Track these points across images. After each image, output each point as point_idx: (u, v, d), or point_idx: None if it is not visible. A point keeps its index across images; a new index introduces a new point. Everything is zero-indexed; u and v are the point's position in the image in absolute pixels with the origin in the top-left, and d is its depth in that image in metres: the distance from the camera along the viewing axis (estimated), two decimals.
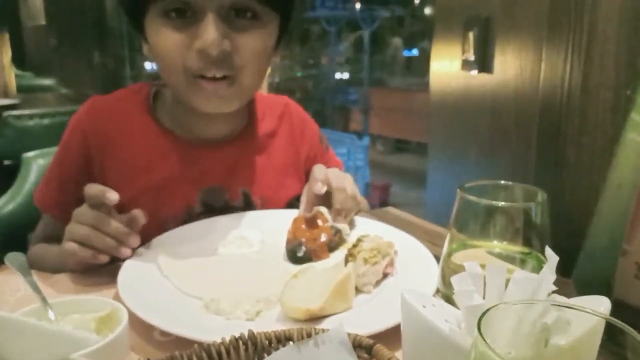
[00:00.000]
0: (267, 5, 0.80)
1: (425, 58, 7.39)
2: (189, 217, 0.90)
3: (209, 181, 0.91)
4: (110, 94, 0.95)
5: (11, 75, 2.69)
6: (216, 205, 0.92)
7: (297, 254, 0.76)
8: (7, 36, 2.66)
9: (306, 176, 0.98)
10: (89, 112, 0.91)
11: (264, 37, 0.81)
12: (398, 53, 8.42)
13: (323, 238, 0.79)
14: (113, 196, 0.71)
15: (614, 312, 0.47)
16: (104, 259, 0.73)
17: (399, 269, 0.72)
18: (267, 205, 0.96)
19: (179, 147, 0.90)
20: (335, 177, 0.87)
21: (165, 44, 0.79)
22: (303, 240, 0.77)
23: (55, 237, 0.83)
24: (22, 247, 1.10)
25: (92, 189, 0.73)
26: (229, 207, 0.93)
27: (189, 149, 0.90)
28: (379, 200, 5.73)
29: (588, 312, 0.37)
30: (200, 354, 0.45)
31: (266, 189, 0.96)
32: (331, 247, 0.80)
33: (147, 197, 0.87)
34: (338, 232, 0.81)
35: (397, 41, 8.38)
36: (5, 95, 2.65)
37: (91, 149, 0.88)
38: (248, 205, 0.95)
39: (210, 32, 0.74)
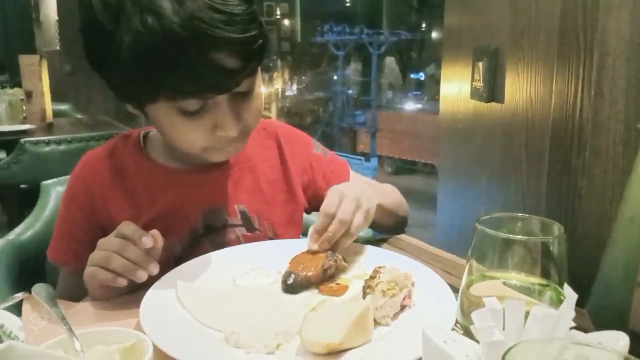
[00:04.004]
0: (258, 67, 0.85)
1: (433, 81, 7.45)
2: (193, 240, 0.95)
3: (208, 203, 0.96)
4: (102, 146, 1.01)
5: (49, 101, 2.74)
6: (217, 225, 0.97)
7: (287, 282, 0.78)
8: (45, 63, 2.72)
9: (311, 190, 1.06)
10: (87, 164, 0.98)
11: (259, 90, 0.88)
12: (405, 75, 8.49)
13: (317, 265, 0.80)
14: (148, 242, 0.76)
15: (631, 343, 0.47)
16: (122, 282, 0.76)
17: (416, 301, 0.72)
18: (264, 219, 1.00)
19: (175, 177, 0.95)
20: (328, 204, 0.86)
21: (181, 133, 0.84)
22: (292, 270, 0.80)
23: (76, 290, 0.86)
24: (41, 274, 1.12)
25: (129, 228, 0.77)
26: (229, 225, 0.97)
27: (185, 177, 0.96)
28: None
29: (607, 350, 0.38)
30: None
31: (260, 204, 1.01)
32: (329, 274, 0.81)
33: (153, 228, 0.88)
34: (334, 258, 0.83)
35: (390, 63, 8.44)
36: (43, 120, 2.70)
37: (95, 196, 0.94)
38: (246, 221, 0.99)
39: (229, 123, 0.81)
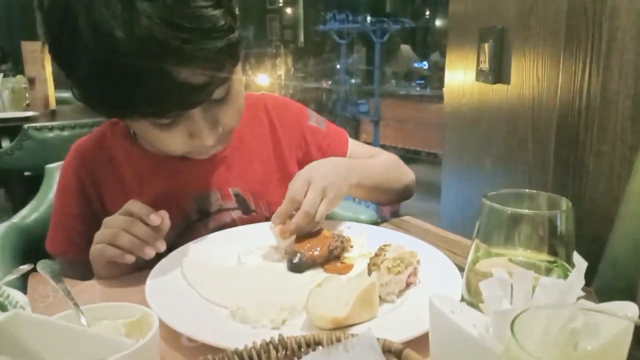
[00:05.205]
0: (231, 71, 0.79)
1: (437, 69, 7.41)
2: (187, 226, 0.93)
3: (200, 188, 0.95)
4: (91, 134, 0.99)
5: (52, 88, 2.73)
6: (211, 210, 0.95)
7: (293, 261, 0.78)
8: (48, 49, 2.70)
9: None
10: (77, 155, 0.96)
11: (238, 90, 0.82)
12: (409, 63, 8.44)
13: (323, 245, 0.80)
14: (156, 219, 0.76)
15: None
16: (129, 258, 0.76)
17: (422, 279, 0.72)
18: (259, 200, 0.98)
19: (164, 164, 0.93)
20: (295, 191, 0.84)
21: (158, 141, 0.81)
22: (298, 249, 0.80)
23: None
24: (46, 256, 1.12)
25: (135, 206, 0.77)
26: (223, 209, 0.96)
27: (175, 163, 0.93)
28: (390, 211, 5.71)
29: (617, 317, 0.38)
30: (232, 358, 0.46)
31: (255, 185, 0.99)
32: (335, 253, 0.82)
33: None
34: (340, 238, 0.83)
35: (407, 51, 8.39)
36: (46, 107, 2.69)
37: (87, 186, 0.93)
38: (242, 203, 0.97)
39: (205, 132, 0.78)
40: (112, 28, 0.64)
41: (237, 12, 0.76)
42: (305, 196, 0.83)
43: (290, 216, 0.83)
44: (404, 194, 1.12)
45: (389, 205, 1.11)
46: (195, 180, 0.95)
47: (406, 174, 1.12)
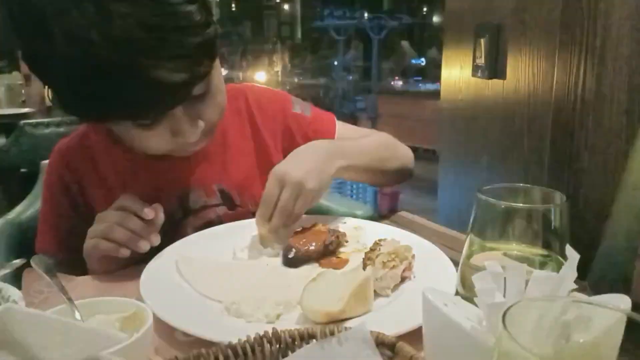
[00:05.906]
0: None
1: (434, 66, 7.42)
2: (171, 224, 0.91)
3: (183, 186, 0.93)
4: (74, 134, 0.97)
5: None
6: (195, 207, 0.94)
7: (288, 256, 0.78)
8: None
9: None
10: (59, 155, 0.94)
11: (218, 85, 0.81)
12: (408, 60, 8.43)
13: (319, 240, 0.80)
14: (150, 213, 0.76)
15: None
16: (124, 252, 0.76)
17: (417, 273, 0.72)
18: (244, 194, 0.97)
19: (146, 163, 0.90)
20: (267, 195, 0.83)
21: (141, 142, 0.79)
22: (294, 244, 0.80)
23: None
24: None
25: (128, 200, 0.77)
26: (208, 206, 0.95)
27: (156, 162, 0.90)
28: (388, 207, 5.72)
29: (609, 309, 0.38)
30: (226, 352, 0.46)
31: (239, 180, 0.97)
32: (330, 248, 0.81)
33: None
34: (335, 233, 0.83)
35: (407, 47, 8.38)
36: (42, 103, 2.69)
37: (72, 187, 0.92)
38: (227, 199, 0.96)
39: (187, 130, 0.77)
40: (86, 32, 0.63)
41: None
42: (280, 195, 0.81)
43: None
44: (401, 173, 1.07)
45: (386, 185, 1.08)
46: (179, 179, 0.93)
47: (402, 153, 1.08)
